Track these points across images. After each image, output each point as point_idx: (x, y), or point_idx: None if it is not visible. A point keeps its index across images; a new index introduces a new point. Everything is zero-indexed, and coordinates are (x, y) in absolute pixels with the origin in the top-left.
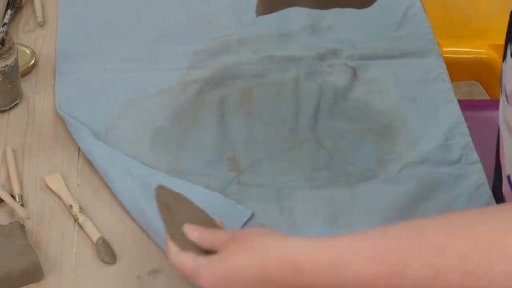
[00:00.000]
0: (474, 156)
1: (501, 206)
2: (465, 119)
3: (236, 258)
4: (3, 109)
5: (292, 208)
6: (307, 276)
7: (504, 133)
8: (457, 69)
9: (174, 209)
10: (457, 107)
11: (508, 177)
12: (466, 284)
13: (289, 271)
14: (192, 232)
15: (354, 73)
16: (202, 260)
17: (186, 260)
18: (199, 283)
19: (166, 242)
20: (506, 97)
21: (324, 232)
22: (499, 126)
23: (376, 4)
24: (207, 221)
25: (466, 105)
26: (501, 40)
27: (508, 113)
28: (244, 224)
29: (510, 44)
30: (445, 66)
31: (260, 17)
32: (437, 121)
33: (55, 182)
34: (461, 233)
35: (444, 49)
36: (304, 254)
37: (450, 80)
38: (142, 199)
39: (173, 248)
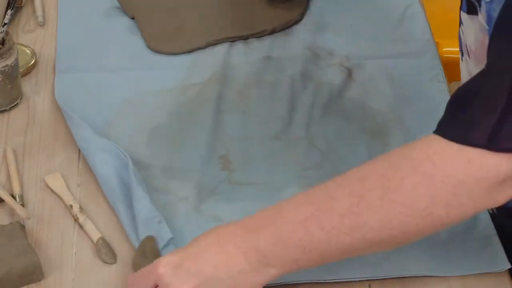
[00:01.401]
0: None
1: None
2: None
3: (193, 245)
4: (3, 109)
5: None
6: (251, 231)
7: None
8: (457, 69)
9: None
10: None
11: None
12: (386, 202)
13: (238, 231)
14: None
15: (350, 73)
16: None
17: (140, 270)
18: (156, 276)
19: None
20: (468, 54)
21: None
22: None
23: (376, 4)
24: None
25: None
26: None
27: (471, 65)
28: (165, 246)
29: (462, 11)
30: (442, 67)
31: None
32: (432, 122)
33: (55, 182)
34: (379, 162)
35: (444, 49)
36: (250, 217)
37: (446, 81)
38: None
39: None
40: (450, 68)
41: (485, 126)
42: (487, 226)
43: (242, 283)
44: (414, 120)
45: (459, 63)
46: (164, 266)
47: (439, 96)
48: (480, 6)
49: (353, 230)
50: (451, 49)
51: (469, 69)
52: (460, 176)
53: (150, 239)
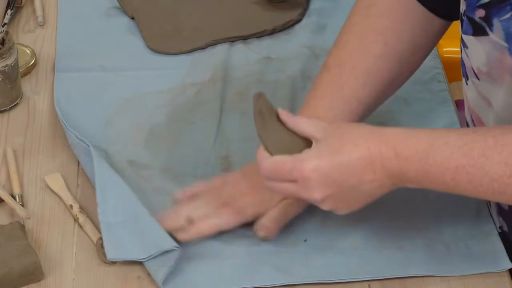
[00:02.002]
0: None
1: None
2: (463, 119)
3: (343, 153)
4: (3, 109)
5: None
6: (403, 160)
7: (479, 111)
8: (457, 69)
9: (267, 119)
10: (452, 108)
11: None
12: None
13: (389, 155)
14: (289, 120)
15: None
16: (305, 154)
17: (282, 159)
18: (299, 176)
19: (258, 152)
20: (476, 77)
21: (316, 231)
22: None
23: None
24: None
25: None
26: None
27: (482, 87)
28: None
29: (465, 35)
30: (442, 67)
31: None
32: (432, 122)
33: (55, 182)
34: None
35: (444, 49)
36: (402, 139)
37: (446, 81)
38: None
39: (264, 154)
40: (450, 68)
41: None
42: (488, 225)
43: (378, 196)
44: (415, 120)
45: (459, 63)
46: (312, 171)
47: (440, 96)
48: (491, 25)
49: (499, 194)
50: (451, 49)
51: (479, 90)
52: None
53: (260, 95)
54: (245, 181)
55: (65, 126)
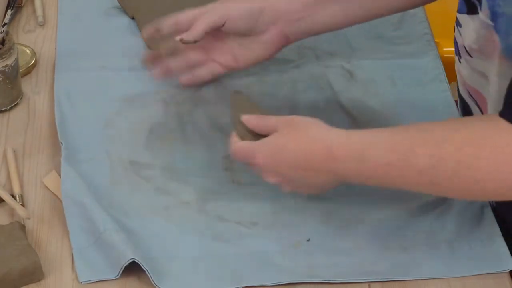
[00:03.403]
0: None
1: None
2: None
3: (286, 140)
4: (3, 109)
5: (285, 207)
6: (340, 162)
7: (478, 86)
8: None
9: (238, 106)
10: (454, 108)
11: None
12: (456, 173)
13: (327, 158)
14: (249, 121)
15: (350, 74)
16: (257, 142)
17: (242, 145)
18: (254, 162)
19: (231, 137)
20: (468, 54)
21: (319, 231)
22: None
23: None
24: (261, 112)
25: None
26: None
27: (477, 63)
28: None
29: (459, 13)
30: (443, 67)
31: None
32: None
33: (54, 182)
34: (462, 128)
35: (444, 49)
36: (340, 143)
37: (447, 81)
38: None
39: (233, 139)
40: (451, 68)
41: None
42: (491, 226)
43: (330, 185)
44: (417, 120)
45: None
46: (262, 158)
47: (441, 97)
48: (480, 4)
49: (428, 185)
50: (451, 49)
51: (475, 67)
52: None
53: (237, 92)
54: None
55: (59, 135)
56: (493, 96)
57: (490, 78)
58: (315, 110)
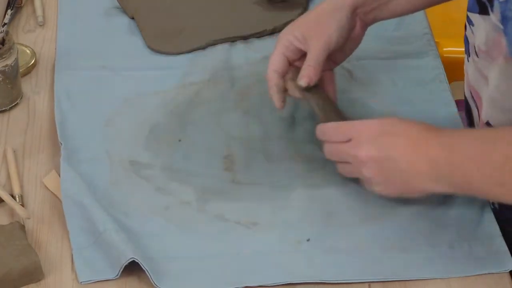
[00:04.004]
0: None
1: None
2: (464, 119)
3: (394, 127)
4: (3, 109)
5: (285, 207)
6: (446, 148)
7: (478, 87)
8: (457, 69)
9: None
10: (454, 108)
11: (487, 123)
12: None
13: (434, 143)
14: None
15: (350, 74)
16: (362, 120)
17: (344, 123)
18: (354, 133)
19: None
20: (476, 54)
21: (319, 231)
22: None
23: None
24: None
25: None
26: None
27: (481, 64)
28: None
29: (471, 12)
30: (443, 67)
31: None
32: (434, 123)
33: (54, 182)
34: None
35: (444, 49)
36: (447, 133)
37: (447, 81)
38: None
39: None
40: (451, 68)
41: None
42: (491, 226)
43: (415, 182)
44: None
45: (459, 63)
46: (365, 128)
47: (441, 97)
48: (492, 6)
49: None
50: (451, 49)
51: (479, 68)
52: None
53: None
54: None
55: (58, 135)
56: (488, 99)
57: (489, 80)
58: (314, 110)
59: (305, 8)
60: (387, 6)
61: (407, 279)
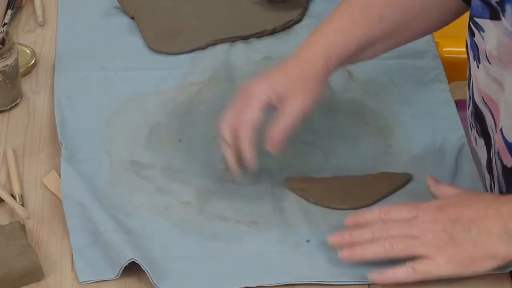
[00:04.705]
0: (469, 158)
1: None
2: (463, 119)
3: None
4: (3, 109)
5: (285, 208)
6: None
7: (492, 93)
8: (457, 69)
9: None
10: (453, 108)
11: (501, 129)
12: None
13: (505, 210)
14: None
15: (350, 74)
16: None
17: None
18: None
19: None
20: (488, 60)
21: (318, 232)
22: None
23: None
24: None
25: (465, 105)
26: None
27: (494, 70)
28: None
29: (481, 18)
30: (442, 67)
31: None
32: (434, 123)
33: (54, 182)
34: None
35: (444, 49)
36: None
37: (447, 81)
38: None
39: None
40: (450, 68)
41: None
42: None
43: (484, 247)
44: (416, 121)
45: (459, 63)
46: (425, 209)
47: (441, 96)
48: (504, 11)
49: None
50: (451, 49)
51: (491, 74)
52: None
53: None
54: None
55: (58, 135)
56: (508, 106)
57: (506, 87)
58: (314, 110)
59: (305, 8)
60: (360, 56)
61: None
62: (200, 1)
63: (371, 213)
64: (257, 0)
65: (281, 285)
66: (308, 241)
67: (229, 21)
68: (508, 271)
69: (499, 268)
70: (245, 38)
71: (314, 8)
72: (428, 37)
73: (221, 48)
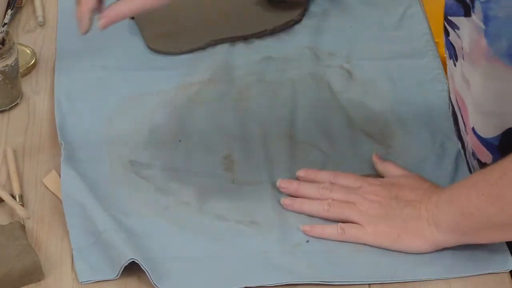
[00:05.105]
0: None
1: None
2: None
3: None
4: (3, 109)
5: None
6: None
7: (462, 92)
8: None
9: None
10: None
11: (473, 128)
12: None
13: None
14: None
15: (350, 74)
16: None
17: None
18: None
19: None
20: (463, 57)
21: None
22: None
23: (375, 4)
24: None
25: None
26: None
27: (465, 68)
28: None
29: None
30: (442, 67)
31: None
32: (434, 123)
33: (54, 182)
34: None
35: (444, 49)
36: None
37: (447, 81)
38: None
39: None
40: None
41: None
42: None
43: (413, 226)
44: (416, 121)
45: None
46: (370, 183)
47: (441, 96)
48: (473, 7)
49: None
50: None
51: (463, 72)
52: None
53: None
54: None
55: (58, 135)
56: (472, 104)
57: (471, 84)
58: (314, 110)
59: (305, 8)
60: None
61: (408, 280)
62: (200, 1)
63: (323, 173)
64: (257, 0)
65: (281, 285)
66: (308, 241)
67: (229, 21)
68: (508, 271)
69: (428, 251)
70: (245, 38)
71: (314, 8)
72: (428, 37)
73: (221, 48)
